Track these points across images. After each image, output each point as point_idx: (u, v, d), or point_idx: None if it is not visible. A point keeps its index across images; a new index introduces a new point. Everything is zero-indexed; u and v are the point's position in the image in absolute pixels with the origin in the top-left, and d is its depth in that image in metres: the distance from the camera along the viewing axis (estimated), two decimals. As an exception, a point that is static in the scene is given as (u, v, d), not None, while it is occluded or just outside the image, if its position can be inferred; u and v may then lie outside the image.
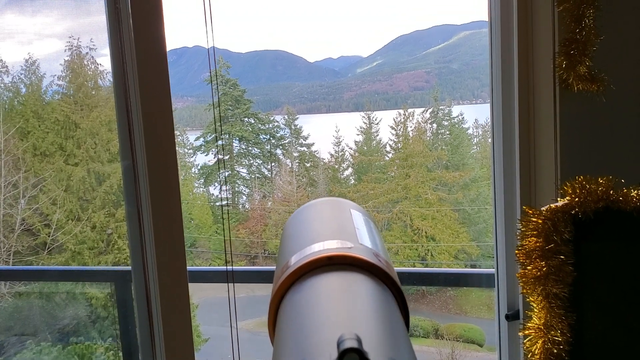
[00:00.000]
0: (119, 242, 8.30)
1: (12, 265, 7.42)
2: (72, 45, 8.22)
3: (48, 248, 8.02)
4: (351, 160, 14.84)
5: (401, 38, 20.52)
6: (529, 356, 1.13)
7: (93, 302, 5.83)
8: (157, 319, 1.70)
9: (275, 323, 0.42)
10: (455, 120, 14.40)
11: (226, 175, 14.32)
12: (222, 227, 13.19)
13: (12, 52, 8.25)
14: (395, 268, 0.47)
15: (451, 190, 13.16)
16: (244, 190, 15.24)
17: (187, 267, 1.70)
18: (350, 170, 15.04)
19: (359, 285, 0.41)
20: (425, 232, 12.74)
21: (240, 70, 18.92)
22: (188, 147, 15.05)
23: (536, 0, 1.62)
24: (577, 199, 1.12)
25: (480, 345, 9.80)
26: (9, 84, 8.28)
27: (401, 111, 14.21)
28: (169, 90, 1.63)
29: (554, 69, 1.57)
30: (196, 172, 15.11)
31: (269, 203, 14.85)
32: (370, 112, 14.86)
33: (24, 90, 8.44)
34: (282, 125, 15.69)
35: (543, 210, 1.13)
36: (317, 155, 15.13)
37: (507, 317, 1.75)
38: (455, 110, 14.50)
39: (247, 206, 15.04)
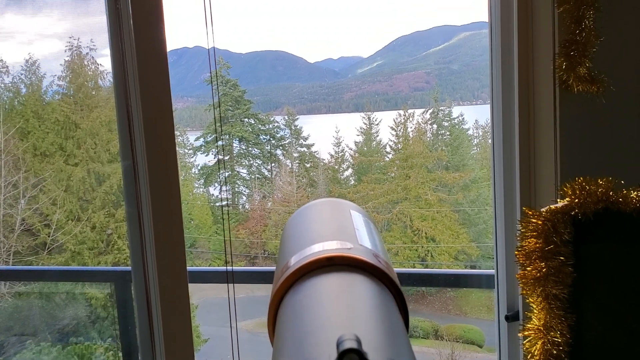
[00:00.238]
0: (119, 243, 8.30)
1: (12, 265, 7.42)
2: (72, 46, 8.22)
3: (48, 248, 8.02)
4: (351, 160, 14.85)
5: (401, 39, 20.54)
6: (528, 357, 1.13)
7: (93, 302, 5.83)
8: (157, 320, 1.70)
9: (275, 323, 0.42)
10: (456, 121, 14.40)
11: (226, 175, 14.33)
12: (222, 227, 13.20)
13: (12, 52, 8.25)
14: (395, 269, 0.47)
15: (451, 191, 13.16)
16: (244, 191, 15.25)
17: (187, 268, 1.70)
18: (350, 170, 15.04)
19: (358, 286, 0.41)
20: (425, 233, 12.74)
21: (241, 71, 18.94)
22: (188, 148, 15.05)
23: (536, 1, 1.62)
24: (577, 200, 1.12)
25: (480, 346, 9.80)
26: (9, 84, 8.28)
27: (401, 112, 14.21)
28: (169, 91, 1.63)
29: (554, 70, 1.58)
30: (196, 172, 15.12)
31: (269, 203, 14.85)
32: (370, 113, 14.87)
33: (24, 90, 8.44)
34: (282, 126, 15.69)
35: (543, 211, 1.13)
36: (317, 155, 15.14)
37: (507, 318, 1.75)
38: (456, 111, 14.50)
39: (247, 207, 15.04)
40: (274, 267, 0.49)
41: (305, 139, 15.39)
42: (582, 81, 1.53)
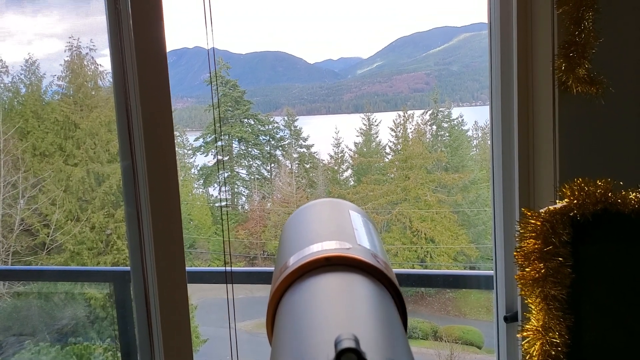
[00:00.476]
0: (118, 243, 8.30)
1: (11, 265, 7.42)
2: (72, 46, 8.23)
3: (47, 248, 8.02)
4: (351, 161, 14.85)
5: (401, 40, 20.55)
6: (527, 358, 1.13)
7: (92, 302, 5.83)
8: (156, 320, 1.70)
9: (274, 323, 0.42)
10: (455, 122, 14.41)
11: (225, 176, 14.33)
12: (221, 228, 13.20)
13: (12, 52, 8.26)
14: (394, 269, 0.47)
15: (450, 192, 13.17)
16: (243, 191, 15.25)
17: (186, 268, 1.70)
18: (349, 171, 15.04)
19: (357, 286, 0.41)
20: (425, 234, 12.74)
21: (240, 71, 18.95)
22: (187, 148, 15.05)
23: (536, 2, 1.62)
24: (575, 201, 1.12)
25: (479, 347, 9.80)
26: (9, 84, 8.28)
27: (401, 113, 14.22)
28: (169, 91, 1.63)
29: (553, 71, 1.58)
30: (195, 172, 15.12)
31: (268, 204, 14.85)
32: (370, 114, 14.88)
33: (23, 90, 8.44)
34: (281, 127, 15.70)
35: (542, 212, 1.13)
36: (317, 156, 15.14)
37: (506, 319, 1.75)
38: (455, 112, 14.51)
39: (246, 207, 15.04)
40: (273, 268, 0.49)
41: (305, 139, 15.40)
42: (581, 82, 1.53)
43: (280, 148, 15.51)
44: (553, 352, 1.09)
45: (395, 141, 14.13)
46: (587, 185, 1.13)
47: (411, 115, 14.17)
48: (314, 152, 15.20)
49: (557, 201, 1.15)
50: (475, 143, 14.73)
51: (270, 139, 15.56)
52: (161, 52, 1.61)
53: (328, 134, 14.93)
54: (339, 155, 14.88)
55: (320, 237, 0.47)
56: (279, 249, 0.53)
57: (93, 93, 8.55)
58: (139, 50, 1.59)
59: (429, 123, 14.21)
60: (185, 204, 13.43)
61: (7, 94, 8.31)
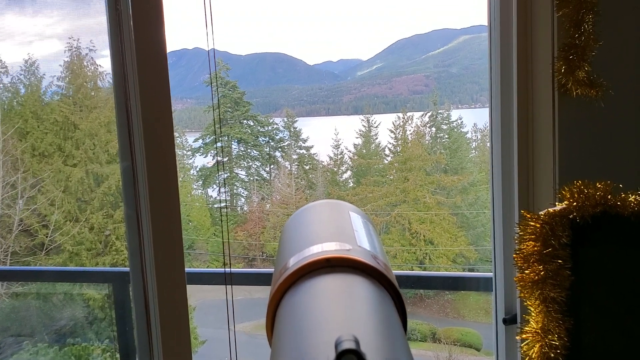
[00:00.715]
0: (117, 244, 8.30)
1: (10, 265, 7.41)
2: (72, 46, 8.24)
3: (46, 249, 8.01)
4: (350, 163, 14.85)
5: (401, 42, 20.56)
6: (526, 360, 1.13)
7: (90, 303, 5.82)
8: (155, 321, 1.69)
9: (274, 324, 0.42)
10: (454, 124, 14.41)
11: (225, 177, 14.33)
12: (220, 229, 13.19)
13: (12, 53, 8.26)
14: (393, 271, 0.47)
15: (450, 194, 13.17)
16: (243, 193, 15.23)
17: (185, 269, 1.69)
18: (349, 173, 15.04)
19: (357, 287, 0.41)
20: (424, 236, 12.74)
21: (240, 73, 18.95)
22: (187, 149, 15.04)
23: (536, 4, 1.63)
24: (575, 203, 1.12)
25: (478, 350, 9.79)
26: (9, 85, 8.28)
27: (400, 115, 14.23)
28: (169, 92, 1.64)
29: (553, 73, 1.58)
30: (195, 173, 15.11)
31: (268, 205, 14.84)
32: (369, 116, 14.88)
33: (23, 90, 8.44)
34: (281, 128, 15.70)
35: (541, 214, 1.13)
36: (316, 158, 15.14)
37: (505, 321, 1.75)
38: (454, 114, 14.52)
39: (245, 208, 15.03)
40: (273, 269, 0.49)
41: (304, 141, 15.40)
42: (581, 85, 1.53)
43: (279, 149, 15.50)
44: (552, 355, 1.09)
45: (394, 143, 14.14)
46: (586, 188, 1.13)
47: (410, 117, 14.18)
48: (314, 154, 15.20)
49: (557, 203, 1.15)
50: (474, 145, 14.73)
51: (270, 140, 15.55)
52: (161, 53, 1.61)
53: (327, 136, 14.93)
54: (339, 156, 14.88)
55: (320, 239, 0.47)
56: (278, 250, 0.53)
57: (92, 94, 8.55)
58: (139, 51, 1.59)
59: (428, 125, 14.22)
60: (184, 205, 13.43)
61: (6, 94, 8.31)
